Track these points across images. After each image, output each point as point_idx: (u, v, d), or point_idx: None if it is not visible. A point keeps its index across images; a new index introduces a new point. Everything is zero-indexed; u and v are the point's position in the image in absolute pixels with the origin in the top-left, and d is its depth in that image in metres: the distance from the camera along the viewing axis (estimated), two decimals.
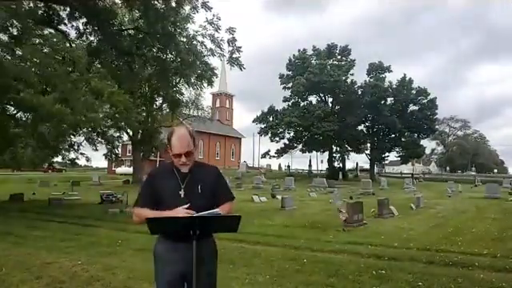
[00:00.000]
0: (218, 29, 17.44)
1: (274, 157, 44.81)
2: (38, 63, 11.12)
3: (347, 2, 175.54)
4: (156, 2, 13.26)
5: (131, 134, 31.12)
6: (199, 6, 15.12)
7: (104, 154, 26.75)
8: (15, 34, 12.46)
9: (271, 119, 43.06)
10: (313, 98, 44.51)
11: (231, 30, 16.00)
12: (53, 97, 10.65)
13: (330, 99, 44.45)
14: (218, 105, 66.79)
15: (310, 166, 48.61)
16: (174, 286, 2.14)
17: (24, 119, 13.82)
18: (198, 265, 1.98)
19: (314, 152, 46.71)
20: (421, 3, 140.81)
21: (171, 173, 2.24)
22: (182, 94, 29.55)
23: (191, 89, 27.67)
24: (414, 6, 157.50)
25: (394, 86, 40.87)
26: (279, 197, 17.31)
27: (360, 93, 41.64)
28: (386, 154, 44.24)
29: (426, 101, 41.12)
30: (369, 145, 43.04)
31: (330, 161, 44.11)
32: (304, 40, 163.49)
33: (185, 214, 2.02)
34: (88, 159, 18.57)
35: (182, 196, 2.17)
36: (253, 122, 44.41)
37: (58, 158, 18.84)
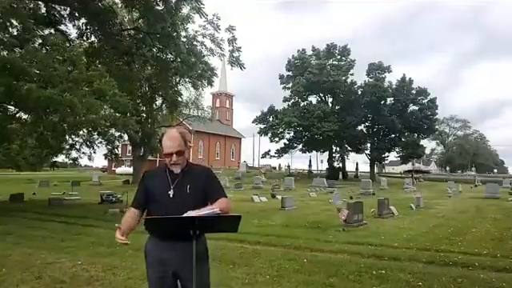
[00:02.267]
0: (217, 28, 17.42)
1: (274, 157, 44.93)
2: (39, 62, 11.08)
3: (348, 3, 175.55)
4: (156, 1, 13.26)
5: (128, 136, 31.04)
6: (196, 10, 15.13)
7: (104, 154, 26.70)
8: (15, 34, 12.44)
9: (271, 119, 43.04)
10: (313, 98, 44.61)
11: (231, 29, 15.89)
12: (57, 90, 10.63)
13: (330, 99, 44.50)
14: (217, 105, 66.82)
15: (310, 165, 48.63)
16: (165, 285, 2.18)
17: (24, 118, 13.75)
18: (190, 263, 1.99)
19: (314, 152, 46.81)
20: (421, 3, 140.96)
21: (163, 173, 2.29)
22: (180, 94, 29.48)
23: (192, 88, 27.54)
24: (415, 6, 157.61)
25: (394, 86, 40.83)
26: (279, 197, 17.30)
27: (360, 93, 41.62)
28: (386, 153, 44.27)
29: (426, 101, 41.10)
30: (369, 145, 43.01)
31: (330, 161, 44.10)
32: (304, 40, 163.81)
33: None
34: (90, 158, 18.48)
35: (171, 196, 2.20)
36: (253, 122, 44.49)
37: (59, 158, 18.64)
